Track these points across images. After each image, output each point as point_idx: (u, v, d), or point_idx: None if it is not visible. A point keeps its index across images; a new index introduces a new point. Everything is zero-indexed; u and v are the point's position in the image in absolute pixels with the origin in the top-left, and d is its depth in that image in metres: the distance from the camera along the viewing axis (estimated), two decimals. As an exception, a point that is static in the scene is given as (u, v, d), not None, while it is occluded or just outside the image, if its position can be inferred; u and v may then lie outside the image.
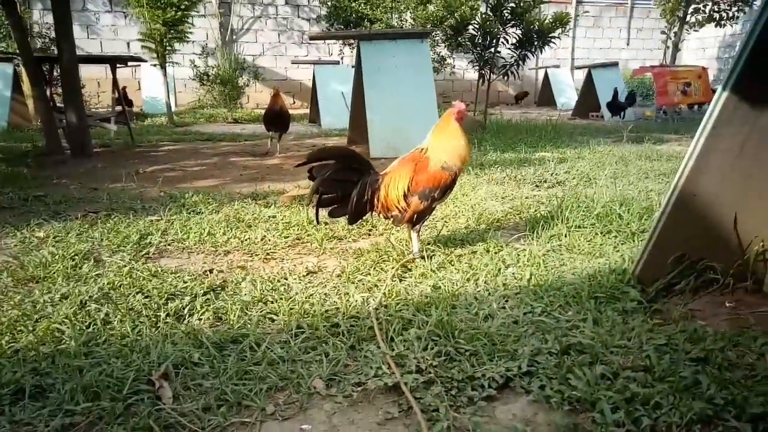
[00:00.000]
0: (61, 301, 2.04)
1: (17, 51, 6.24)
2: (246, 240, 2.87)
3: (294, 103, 14.88)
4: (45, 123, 5.93)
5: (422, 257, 2.54)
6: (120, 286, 2.19)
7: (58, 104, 6.99)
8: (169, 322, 1.91)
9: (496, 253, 2.59)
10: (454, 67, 14.08)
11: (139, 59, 8.34)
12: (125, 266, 2.41)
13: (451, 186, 2.52)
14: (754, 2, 13.45)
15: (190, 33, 10.27)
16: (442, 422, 1.35)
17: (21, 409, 1.41)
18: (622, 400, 1.39)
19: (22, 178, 4.49)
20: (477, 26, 8.37)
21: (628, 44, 18.41)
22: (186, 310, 1.99)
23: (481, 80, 9.08)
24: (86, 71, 11.13)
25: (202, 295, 2.12)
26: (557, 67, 15.71)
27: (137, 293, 2.12)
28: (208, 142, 7.52)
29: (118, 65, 7.36)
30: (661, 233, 2.03)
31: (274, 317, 1.96)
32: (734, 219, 2.00)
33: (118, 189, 4.19)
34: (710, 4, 14.02)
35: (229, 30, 14.63)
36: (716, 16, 14.02)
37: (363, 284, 2.26)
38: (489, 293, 2.13)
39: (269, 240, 2.88)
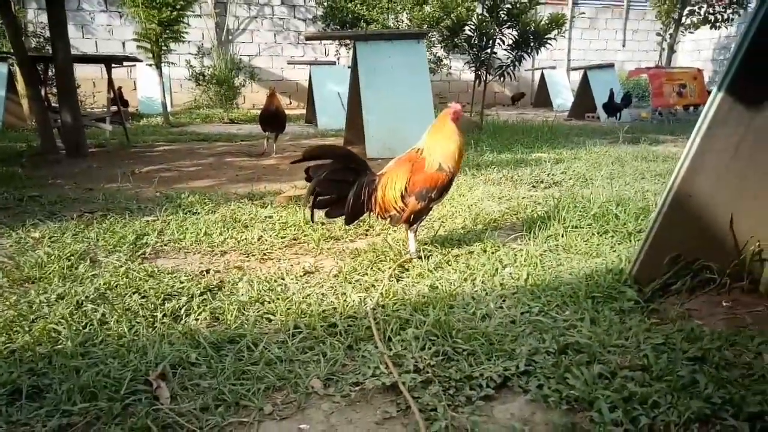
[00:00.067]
0: (58, 301, 2.03)
1: (11, 51, 6.20)
2: (243, 240, 2.86)
3: (290, 103, 14.87)
4: (40, 123, 5.90)
5: (419, 257, 2.54)
6: (116, 287, 2.18)
7: (53, 104, 6.97)
8: (166, 322, 1.90)
9: (493, 253, 2.59)
10: (450, 68, 14.08)
11: (135, 59, 8.33)
12: (121, 266, 2.40)
13: (448, 186, 2.53)
14: (749, 4, 13.53)
15: (186, 33, 10.24)
16: (440, 422, 1.35)
17: (18, 410, 1.41)
18: (619, 400, 1.40)
19: (17, 179, 4.47)
20: (473, 27, 8.39)
21: (623, 46, 18.48)
22: (183, 311, 1.99)
23: (477, 81, 9.10)
24: (81, 71, 11.08)
25: (199, 296, 2.11)
26: (553, 68, 15.75)
27: (134, 293, 2.11)
28: (204, 143, 7.51)
29: (113, 65, 7.34)
30: (657, 233, 2.04)
31: (272, 317, 1.95)
32: (730, 219, 2.01)
33: (113, 189, 4.18)
34: (705, 6, 14.10)
35: (225, 30, 14.61)
36: (711, 18, 14.11)
37: (360, 284, 2.26)
38: (486, 293, 2.14)
39: (266, 240, 2.87)
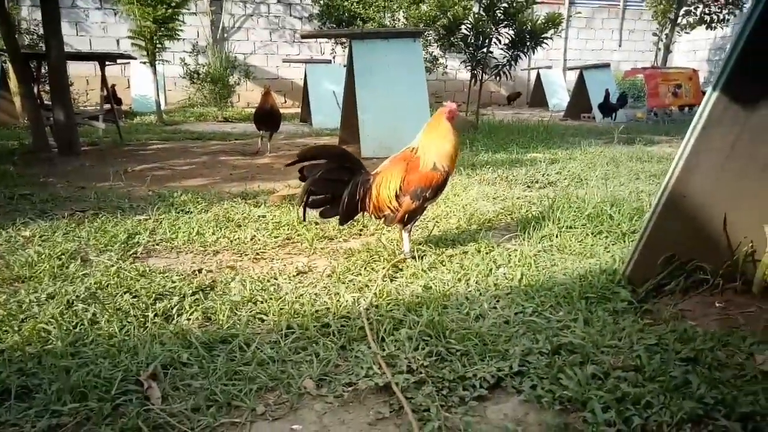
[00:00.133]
0: (48, 300, 2.01)
1: (4, 48, 6.16)
2: (235, 240, 2.85)
3: (285, 102, 14.84)
4: (32, 121, 5.85)
5: (413, 257, 2.53)
6: (107, 286, 2.16)
7: (45, 102, 6.92)
8: (158, 322, 1.89)
9: (487, 253, 2.59)
10: (446, 67, 14.12)
11: (129, 57, 8.28)
12: (113, 266, 2.38)
13: (443, 186, 2.52)
14: (744, 5, 13.59)
15: (181, 31, 10.20)
16: (434, 422, 1.34)
17: (7, 410, 1.39)
18: (612, 400, 1.40)
19: (8, 177, 4.44)
20: (470, 26, 8.39)
21: (620, 46, 18.53)
22: (174, 310, 1.97)
23: (473, 80, 9.10)
24: (75, 69, 11.02)
25: (191, 295, 2.10)
26: (549, 68, 15.78)
27: (125, 293, 2.09)
28: (197, 141, 7.48)
29: (107, 63, 7.30)
30: (651, 234, 2.04)
31: (264, 317, 1.94)
32: (724, 220, 2.01)
33: (105, 188, 4.15)
34: (701, 6, 14.15)
35: (220, 28, 14.56)
36: (707, 18, 14.18)
37: (354, 284, 2.25)
38: (480, 293, 2.13)
39: (259, 240, 2.86)
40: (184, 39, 12.31)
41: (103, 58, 7.29)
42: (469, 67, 8.83)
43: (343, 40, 11.65)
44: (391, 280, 2.31)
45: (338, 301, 2.07)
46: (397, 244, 2.70)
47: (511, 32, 8.30)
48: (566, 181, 4.43)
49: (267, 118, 6.08)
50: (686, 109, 11.15)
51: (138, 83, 12.50)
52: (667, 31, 14.49)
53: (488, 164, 5.17)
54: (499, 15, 8.17)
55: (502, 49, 8.48)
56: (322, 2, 11.87)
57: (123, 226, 3.00)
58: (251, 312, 1.98)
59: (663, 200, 2.00)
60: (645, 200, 3.48)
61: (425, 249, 2.65)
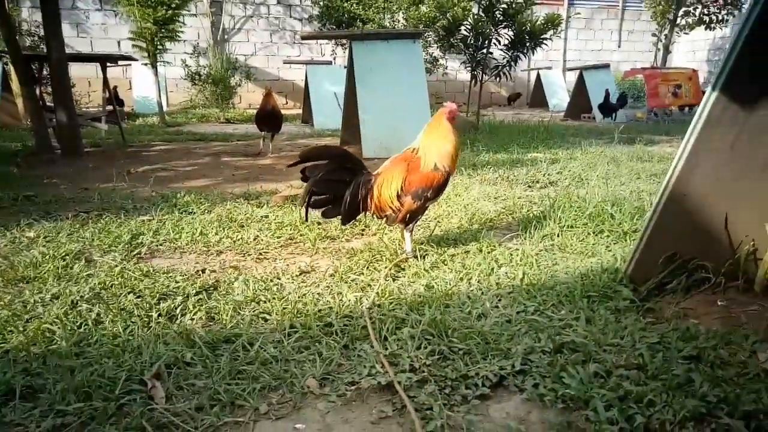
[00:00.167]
0: (52, 301, 2.02)
1: (5, 49, 6.17)
2: (238, 240, 2.86)
3: (286, 103, 14.85)
4: (35, 122, 5.87)
5: (415, 257, 2.54)
6: (111, 286, 2.17)
7: (48, 103, 6.93)
8: (161, 322, 1.89)
9: (489, 252, 2.59)
10: (446, 68, 14.14)
11: (130, 58, 8.29)
12: (117, 266, 2.39)
13: (444, 186, 2.53)
14: (743, 5, 13.59)
15: (182, 32, 10.22)
16: (436, 421, 1.35)
17: (12, 410, 1.40)
18: (615, 398, 1.40)
19: (12, 178, 4.45)
20: (469, 27, 8.40)
21: (619, 46, 18.53)
22: (178, 310, 1.98)
23: (473, 81, 9.11)
24: (77, 70, 11.05)
25: (195, 295, 2.11)
26: (549, 68, 15.78)
27: (129, 293, 2.10)
28: (200, 142, 7.49)
29: (108, 64, 7.31)
30: (652, 233, 2.04)
31: (267, 317, 1.95)
32: (725, 218, 2.02)
33: (109, 189, 4.16)
34: (700, 7, 14.16)
35: (220, 29, 14.58)
36: (706, 18, 14.18)
37: (356, 284, 2.26)
38: (482, 292, 2.14)
39: (262, 240, 2.87)
40: (184, 40, 12.35)
41: (104, 60, 7.30)
42: (469, 68, 8.83)
43: (344, 41, 11.67)
44: (394, 280, 2.32)
45: (341, 300, 2.07)
46: (399, 244, 2.71)
47: (511, 33, 8.31)
48: (567, 181, 4.43)
49: (268, 119, 6.09)
50: (686, 109, 11.15)
51: (140, 85, 12.52)
52: (666, 31, 14.50)
53: (489, 164, 5.17)
54: (498, 16, 8.18)
55: (501, 49, 8.48)
56: (322, 3, 11.89)
57: (126, 226, 3.00)
58: (254, 312, 1.98)
59: (664, 199, 2.01)
60: (646, 199, 3.48)
61: (427, 248, 2.65)
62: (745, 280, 2.03)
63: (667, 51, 14.92)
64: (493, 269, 2.38)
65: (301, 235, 2.94)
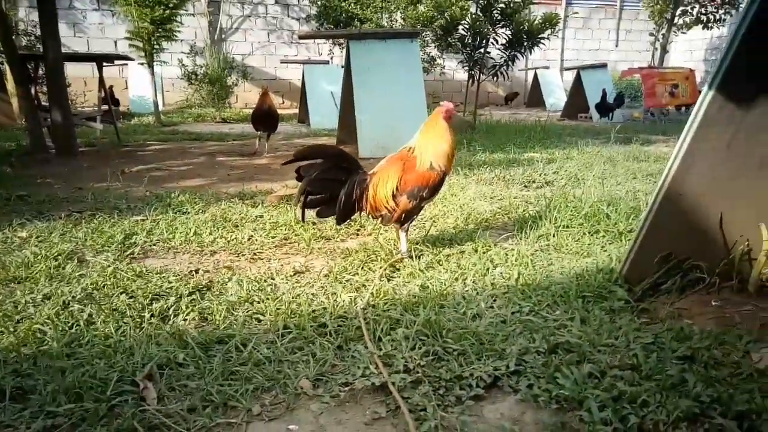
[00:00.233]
0: (44, 301, 2.01)
1: (1, 49, 6.15)
2: (233, 240, 2.85)
3: (283, 102, 14.83)
4: (30, 122, 5.84)
5: (410, 257, 2.53)
6: (104, 287, 2.16)
7: (43, 103, 6.91)
8: (154, 322, 1.88)
9: (484, 252, 2.59)
10: (443, 67, 14.10)
11: (127, 58, 8.26)
12: (109, 266, 2.37)
13: (440, 185, 2.52)
14: (740, 4, 13.62)
15: (179, 32, 10.18)
16: (430, 421, 1.34)
17: (1, 411, 1.39)
18: (609, 399, 1.40)
19: (5, 178, 4.43)
20: (467, 26, 8.39)
21: (616, 46, 18.55)
22: (171, 311, 1.97)
23: (470, 81, 9.10)
24: (72, 70, 11.00)
25: (188, 296, 2.09)
26: (547, 68, 15.77)
27: (121, 294, 2.09)
28: (195, 142, 7.47)
29: (104, 64, 7.28)
30: (647, 233, 2.04)
31: (261, 317, 1.94)
32: (720, 218, 2.01)
33: (103, 189, 4.14)
34: (697, 6, 14.18)
35: (218, 29, 14.55)
36: (703, 18, 14.20)
37: (351, 284, 2.25)
38: (477, 293, 2.13)
39: (256, 240, 2.86)
40: (181, 40, 12.29)
41: (100, 59, 7.27)
42: (467, 68, 8.83)
43: (341, 40, 11.65)
44: (388, 280, 2.31)
45: (335, 300, 2.06)
46: (394, 244, 2.70)
47: (508, 33, 8.30)
48: (563, 181, 4.43)
49: (265, 118, 6.07)
50: (683, 108, 11.16)
51: (136, 84, 12.48)
52: (663, 31, 14.52)
53: (486, 164, 5.17)
54: (496, 15, 8.17)
55: (499, 49, 8.48)
56: (319, 3, 11.87)
57: (120, 226, 2.99)
58: (248, 312, 1.97)
59: (659, 199, 2.01)
60: (641, 199, 3.48)
61: (422, 248, 2.64)
62: (739, 280, 2.03)
63: (664, 50, 14.94)
64: (488, 269, 2.37)
65: (295, 235, 2.93)
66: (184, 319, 1.92)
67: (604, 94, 10.72)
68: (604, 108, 10.86)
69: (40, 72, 8.16)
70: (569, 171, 4.80)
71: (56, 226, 2.98)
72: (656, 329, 1.79)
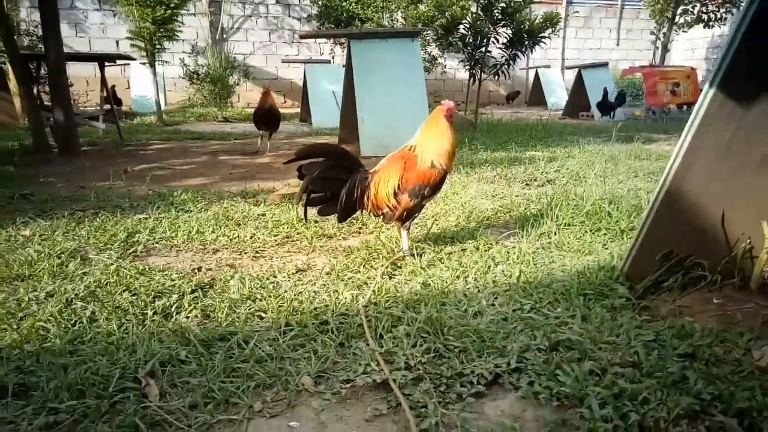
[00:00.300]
0: (47, 299, 2.01)
1: (3, 49, 6.16)
2: (235, 238, 2.85)
3: (285, 102, 14.84)
4: (32, 121, 5.86)
5: (412, 255, 2.53)
6: (107, 284, 2.17)
7: (45, 102, 6.92)
8: (156, 320, 1.89)
9: (485, 250, 2.59)
10: (445, 66, 14.11)
11: (128, 57, 8.28)
12: (112, 264, 2.38)
13: (441, 184, 2.52)
14: (741, 3, 13.59)
15: (180, 31, 10.20)
16: (431, 418, 1.35)
17: (4, 408, 1.39)
18: (610, 396, 1.40)
19: (8, 177, 4.44)
20: (468, 26, 8.39)
21: (617, 45, 18.53)
22: (173, 308, 1.97)
23: (471, 80, 9.10)
24: (75, 70, 11.01)
25: (190, 293, 2.10)
26: (548, 67, 15.78)
27: (124, 291, 2.10)
28: (197, 141, 7.48)
29: (106, 64, 7.30)
30: (649, 231, 2.04)
31: (263, 315, 1.95)
32: (722, 216, 2.02)
33: (105, 187, 4.15)
34: (699, 5, 14.16)
35: (219, 29, 14.56)
36: (704, 17, 14.17)
37: (352, 282, 2.26)
38: (478, 290, 2.13)
39: (258, 238, 2.86)
40: (183, 40, 12.32)
41: (102, 59, 7.29)
42: (468, 67, 8.83)
43: (342, 40, 11.66)
44: (390, 278, 2.31)
45: (337, 298, 2.07)
46: (395, 242, 2.70)
47: (509, 32, 8.31)
48: (565, 179, 4.43)
49: (266, 117, 6.08)
50: (684, 107, 11.15)
51: (138, 84, 12.51)
52: (664, 29, 14.51)
53: (487, 162, 5.17)
54: (496, 14, 8.18)
55: (500, 48, 8.48)
56: (320, 3, 11.88)
57: (123, 224, 3.00)
58: (250, 310, 1.98)
59: (661, 197, 2.01)
60: (643, 197, 3.48)
61: (424, 246, 2.65)
62: (741, 277, 2.03)
63: (665, 49, 14.93)
64: (489, 267, 2.38)
65: (297, 233, 2.93)
66: (187, 317, 1.92)
67: (606, 92, 10.72)
68: (605, 107, 10.85)
69: (43, 72, 8.16)
70: (571, 169, 4.80)
71: (59, 225, 2.99)
72: (657, 327, 1.79)
